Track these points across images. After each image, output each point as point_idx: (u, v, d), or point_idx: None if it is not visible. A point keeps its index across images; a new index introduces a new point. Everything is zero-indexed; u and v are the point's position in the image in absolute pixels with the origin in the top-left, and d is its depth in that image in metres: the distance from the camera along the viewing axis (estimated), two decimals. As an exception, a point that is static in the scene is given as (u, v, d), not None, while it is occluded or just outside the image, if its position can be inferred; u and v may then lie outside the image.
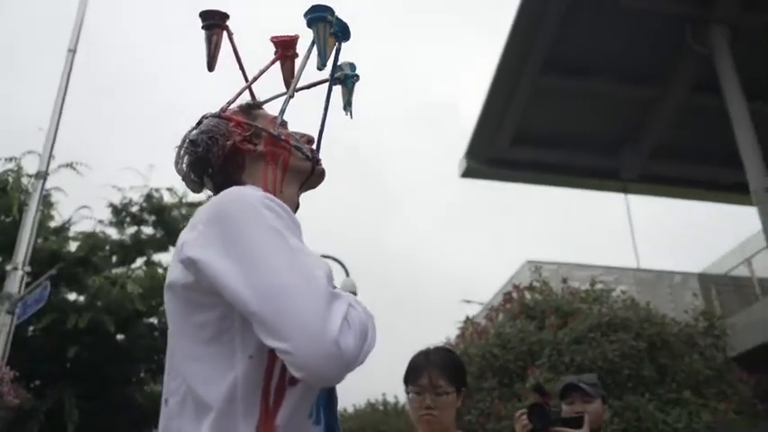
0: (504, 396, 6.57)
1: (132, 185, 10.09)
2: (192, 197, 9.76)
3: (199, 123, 1.41)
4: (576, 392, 2.78)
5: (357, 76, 1.51)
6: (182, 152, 1.39)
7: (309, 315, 1.00)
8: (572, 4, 10.31)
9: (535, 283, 7.78)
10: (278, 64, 1.53)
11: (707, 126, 11.93)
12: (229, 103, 1.43)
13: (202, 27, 1.49)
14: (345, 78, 1.50)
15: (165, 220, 10.00)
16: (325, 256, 11.20)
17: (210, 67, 1.50)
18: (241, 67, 1.52)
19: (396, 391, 17.11)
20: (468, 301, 17.88)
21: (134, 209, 10.04)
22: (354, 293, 10.72)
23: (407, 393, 2.37)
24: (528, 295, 7.59)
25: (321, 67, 1.42)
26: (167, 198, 10.17)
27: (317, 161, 1.42)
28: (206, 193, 1.43)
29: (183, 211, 10.06)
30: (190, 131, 1.40)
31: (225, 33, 1.50)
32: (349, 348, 1.01)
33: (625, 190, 14.32)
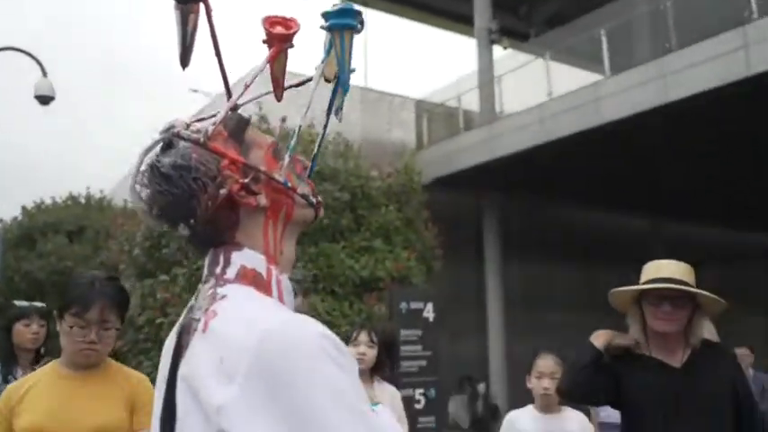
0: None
1: None
2: None
3: (167, 143, 1.04)
4: None
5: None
6: (142, 180, 1.03)
7: None
8: None
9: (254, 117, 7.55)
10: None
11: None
12: (215, 125, 1.04)
13: (177, 1, 1.04)
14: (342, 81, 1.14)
15: None
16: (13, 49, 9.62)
17: (185, 60, 1.09)
18: (218, 56, 1.10)
19: (101, 186, 16.30)
20: (196, 91, 17.11)
21: None
22: (53, 98, 9.51)
23: (60, 320, 2.17)
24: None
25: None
26: None
27: (319, 205, 1.12)
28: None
29: None
30: (152, 147, 1.04)
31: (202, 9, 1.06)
32: None
33: (365, 3, 14.20)
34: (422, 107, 15.84)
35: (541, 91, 12.45)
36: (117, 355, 7.45)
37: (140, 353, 7.11)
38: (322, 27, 1.10)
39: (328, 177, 6.69)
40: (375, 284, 6.66)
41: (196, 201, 1.01)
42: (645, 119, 10.26)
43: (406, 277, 6.77)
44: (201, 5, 1.06)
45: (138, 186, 1.05)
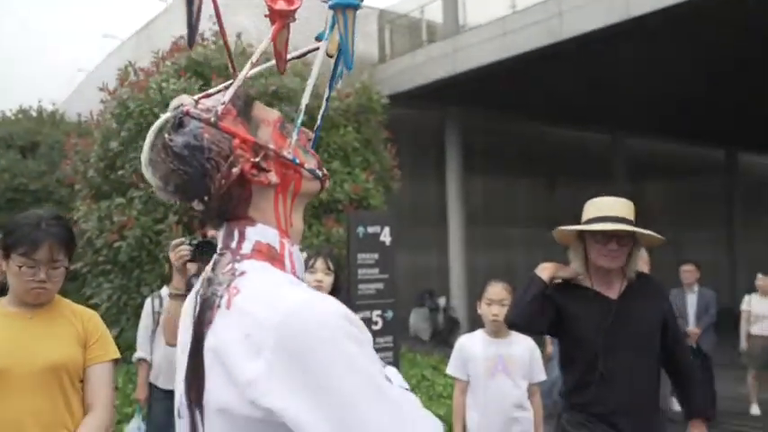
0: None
1: None
2: None
3: (179, 122, 1.07)
4: None
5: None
6: (156, 157, 1.08)
7: None
8: None
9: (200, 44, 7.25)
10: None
11: None
12: (224, 104, 1.07)
13: None
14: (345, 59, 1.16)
15: None
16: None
17: (192, 40, 1.11)
18: (223, 34, 1.13)
19: (51, 98, 15.70)
20: (107, 36, 16.29)
21: None
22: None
23: (7, 260, 2.18)
24: (200, 49, 7.11)
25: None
26: None
27: (326, 177, 1.18)
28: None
29: None
30: (164, 126, 1.07)
31: None
32: None
33: None
34: (385, 18, 15.44)
35: (505, 3, 12.21)
36: (77, 276, 7.46)
37: (100, 274, 7.09)
38: (324, 0, 1.12)
39: (285, 98, 6.55)
40: (334, 206, 6.67)
41: (209, 179, 1.06)
42: (608, 33, 10.17)
43: (365, 199, 6.77)
44: None
45: (151, 163, 1.09)
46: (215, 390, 0.99)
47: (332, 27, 1.13)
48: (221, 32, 1.13)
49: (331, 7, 1.12)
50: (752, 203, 21.86)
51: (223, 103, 1.07)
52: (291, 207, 1.13)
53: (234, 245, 1.09)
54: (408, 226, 15.53)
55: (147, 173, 1.11)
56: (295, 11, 1.10)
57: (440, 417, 5.00)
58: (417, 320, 14.11)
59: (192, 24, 1.09)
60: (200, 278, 1.14)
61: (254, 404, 0.93)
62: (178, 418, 1.12)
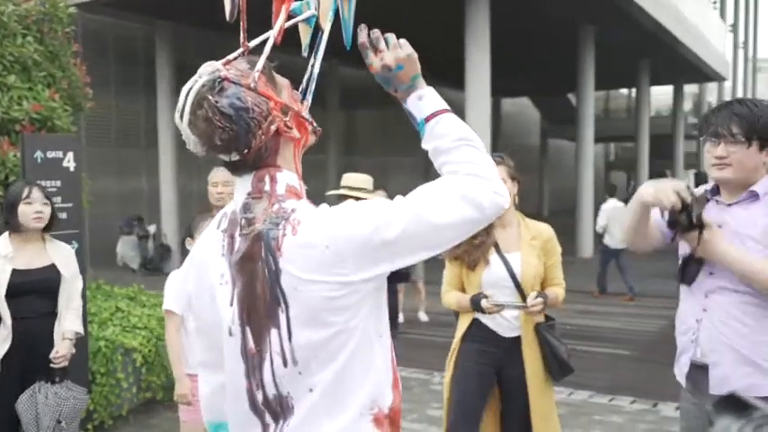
0: None
1: None
2: None
3: (218, 86, 1.26)
4: None
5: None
6: (203, 116, 1.26)
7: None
8: None
9: None
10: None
11: None
12: (258, 71, 1.29)
13: None
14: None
15: None
16: None
17: (232, 15, 1.39)
18: (236, 8, 1.38)
19: None
20: None
21: None
22: None
23: None
24: None
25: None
26: None
27: (318, 131, 1.44)
28: None
29: None
30: (201, 89, 1.27)
31: None
32: None
33: None
34: None
35: None
36: None
37: None
38: None
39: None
40: (11, 127, 5.89)
41: (252, 135, 1.27)
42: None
43: (50, 119, 6.07)
44: None
45: (193, 122, 1.28)
46: (297, 295, 1.24)
47: (333, 9, 1.41)
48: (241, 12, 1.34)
49: None
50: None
51: (258, 71, 1.29)
52: (298, 155, 1.39)
53: (267, 188, 1.31)
54: (115, 148, 14.50)
55: (186, 130, 1.29)
56: None
57: (134, 348, 4.86)
58: (125, 249, 13.41)
59: (235, 2, 1.36)
60: (221, 217, 1.39)
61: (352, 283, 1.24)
62: (229, 336, 1.33)
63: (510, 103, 27.69)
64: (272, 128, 1.29)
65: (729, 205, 2.21)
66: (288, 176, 1.34)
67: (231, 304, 1.31)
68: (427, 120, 1.38)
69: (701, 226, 2.12)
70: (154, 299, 5.72)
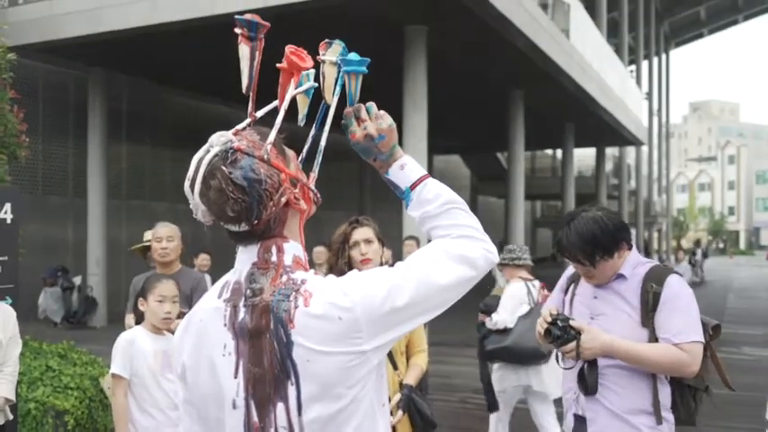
0: None
1: None
2: None
3: (231, 157, 1.28)
4: None
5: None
6: (216, 188, 1.27)
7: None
8: None
9: None
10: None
11: None
12: (270, 144, 1.32)
13: (245, 38, 1.32)
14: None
15: None
16: None
17: (249, 89, 1.36)
18: (252, 81, 1.36)
19: None
20: None
21: None
22: None
23: None
24: None
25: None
26: None
27: (319, 201, 1.46)
28: None
29: None
30: (216, 160, 1.29)
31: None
32: None
33: None
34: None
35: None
36: None
37: None
38: (334, 64, 1.41)
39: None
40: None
41: (263, 206, 1.28)
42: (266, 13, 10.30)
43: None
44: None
45: (206, 193, 1.29)
46: (309, 367, 1.24)
47: (341, 85, 1.41)
48: (251, 79, 1.35)
49: (346, 72, 1.40)
50: (379, 185, 24.45)
51: (270, 143, 1.31)
52: (302, 226, 1.41)
53: (275, 258, 1.32)
54: (41, 194, 13.97)
55: (196, 200, 1.30)
56: (308, 68, 1.38)
57: (66, 410, 4.61)
58: (48, 301, 12.78)
59: (251, 75, 1.34)
60: (222, 286, 1.37)
61: (364, 353, 1.26)
62: (232, 409, 1.30)
63: (442, 160, 28.30)
64: (283, 199, 1.31)
65: (599, 286, 2.45)
66: (294, 247, 1.35)
67: (236, 376, 1.29)
68: (413, 187, 1.42)
69: (577, 332, 2.31)
70: (86, 356, 5.47)
